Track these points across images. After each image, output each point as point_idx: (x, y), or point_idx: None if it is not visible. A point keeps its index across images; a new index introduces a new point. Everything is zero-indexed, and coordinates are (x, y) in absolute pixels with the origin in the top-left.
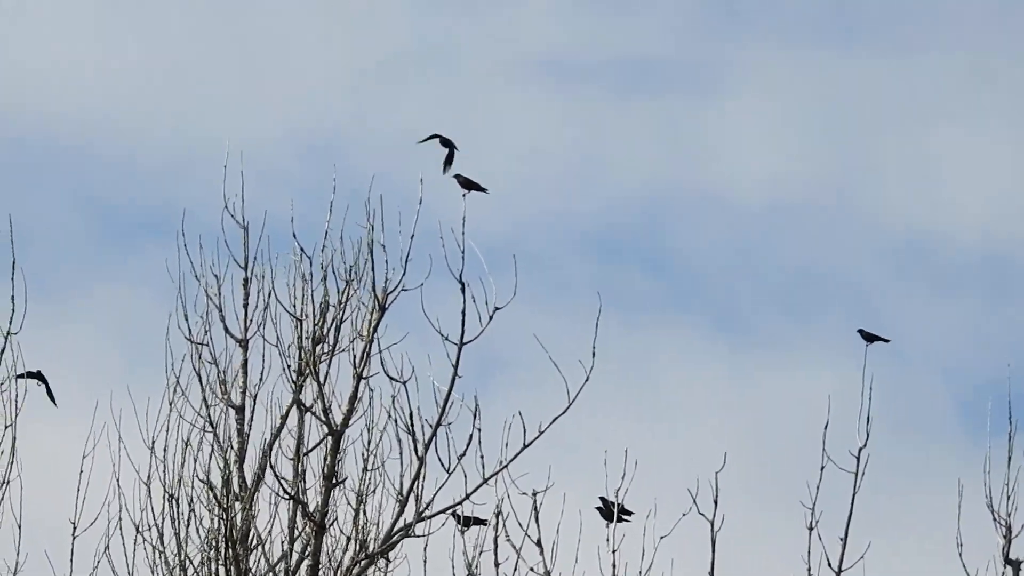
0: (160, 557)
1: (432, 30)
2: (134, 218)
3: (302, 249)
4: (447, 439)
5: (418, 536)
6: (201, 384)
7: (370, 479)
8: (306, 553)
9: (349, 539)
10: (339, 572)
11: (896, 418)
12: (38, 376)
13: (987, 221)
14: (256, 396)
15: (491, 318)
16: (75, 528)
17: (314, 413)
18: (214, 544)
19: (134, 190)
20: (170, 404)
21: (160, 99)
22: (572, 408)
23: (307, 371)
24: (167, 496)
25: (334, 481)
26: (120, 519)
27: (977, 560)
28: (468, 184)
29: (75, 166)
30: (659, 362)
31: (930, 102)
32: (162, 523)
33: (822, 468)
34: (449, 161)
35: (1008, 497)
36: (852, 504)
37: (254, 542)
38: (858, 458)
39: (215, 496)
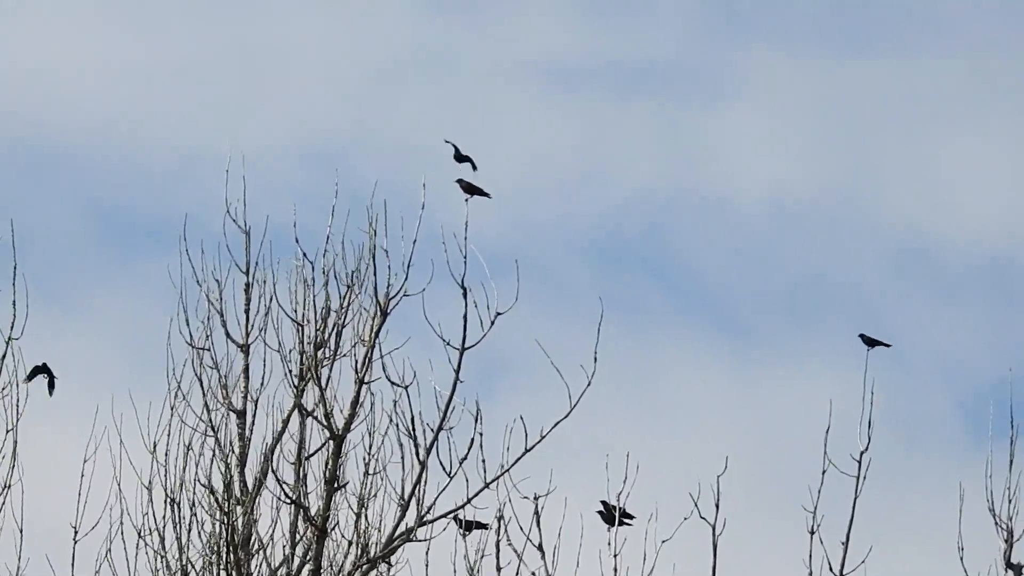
0: (161, 561)
1: (434, 35)
2: (136, 223)
3: (304, 254)
4: (449, 444)
5: (420, 540)
6: (202, 389)
7: (372, 483)
8: (308, 557)
9: (351, 543)
10: None
11: (898, 422)
12: (44, 369)
13: (989, 225)
14: (257, 401)
15: (493, 323)
16: (76, 532)
17: (316, 418)
18: (215, 548)
19: (136, 195)
20: (171, 408)
21: (162, 104)
22: (574, 413)
23: (308, 376)
24: (168, 500)
25: (336, 485)
26: (122, 523)
27: (979, 564)
28: (470, 189)
29: (76, 171)
30: (661, 366)
31: (932, 106)
32: (163, 527)
33: (824, 472)
34: (463, 160)
35: (1010, 501)
36: (854, 508)
37: (255, 546)
38: (859, 462)
39: (216, 500)
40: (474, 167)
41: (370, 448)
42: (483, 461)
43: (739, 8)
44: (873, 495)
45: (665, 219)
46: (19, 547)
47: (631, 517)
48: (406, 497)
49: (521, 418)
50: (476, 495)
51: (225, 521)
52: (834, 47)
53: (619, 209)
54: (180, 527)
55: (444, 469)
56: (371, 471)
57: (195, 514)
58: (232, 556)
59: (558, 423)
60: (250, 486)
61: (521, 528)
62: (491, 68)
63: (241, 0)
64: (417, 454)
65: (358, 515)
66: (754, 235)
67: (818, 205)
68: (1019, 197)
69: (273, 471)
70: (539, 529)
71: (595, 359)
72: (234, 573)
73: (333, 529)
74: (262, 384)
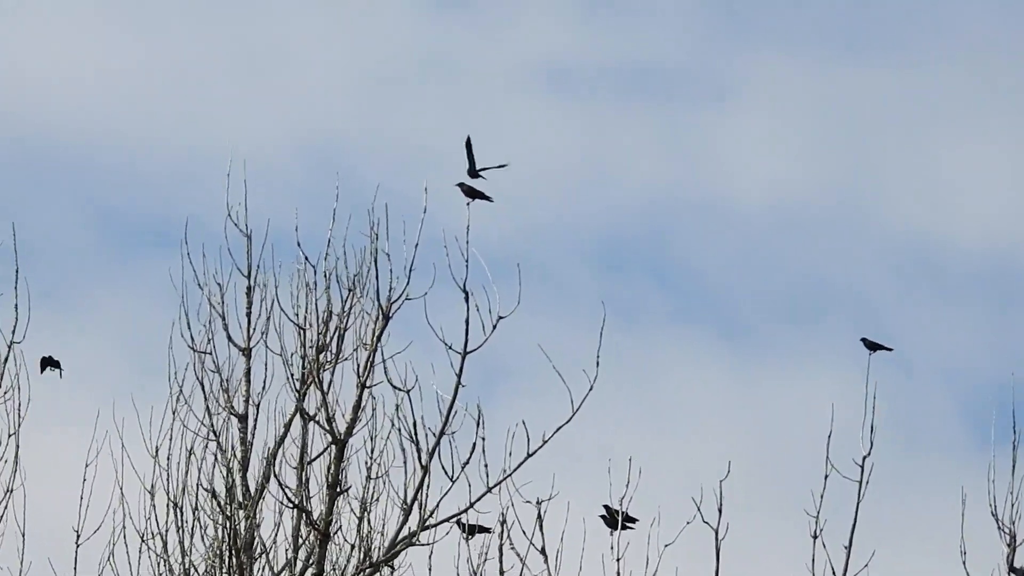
0: (164, 565)
1: (436, 37)
2: (137, 226)
3: (306, 258)
4: (451, 448)
5: (422, 544)
6: (204, 392)
7: (374, 487)
8: (310, 561)
9: (353, 547)
10: None
11: (900, 426)
12: (51, 360)
13: (991, 229)
14: (259, 405)
15: (495, 327)
16: (78, 536)
17: (318, 422)
18: (218, 552)
19: (137, 198)
20: (173, 413)
21: (163, 107)
22: (576, 417)
23: (310, 380)
24: (171, 504)
25: (338, 489)
26: (124, 527)
27: (981, 568)
28: (472, 193)
29: (78, 174)
30: (663, 370)
31: (934, 109)
32: (166, 531)
33: (826, 476)
34: (471, 159)
35: (1012, 505)
36: (856, 512)
37: (258, 550)
38: (862, 466)
39: (219, 504)
40: (475, 175)
41: (372, 452)
42: (485, 465)
43: (741, 11)
44: (876, 499)
45: (667, 222)
46: (21, 551)
47: (633, 521)
48: (408, 501)
49: (523, 422)
50: (479, 499)
51: (227, 525)
52: (835, 49)
53: (621, 212)
54: (183, 531)
55: (446, 473)
56: (373, 475)
57: (197, 518)
58: (235, 560)
59: (560, 428)
60: (252, 490)
61: (524, 532)
62: (493, 71)
63: (243, 3)
64: (419, 458)
65: (360, 519)
66: (756, 238)
67: (820, 208)
68: (1021, 199)
69: (275, 475)
70: (542, 533)
71: (597, 364)
72: None
73: (336, 533)
74: (264, 388)
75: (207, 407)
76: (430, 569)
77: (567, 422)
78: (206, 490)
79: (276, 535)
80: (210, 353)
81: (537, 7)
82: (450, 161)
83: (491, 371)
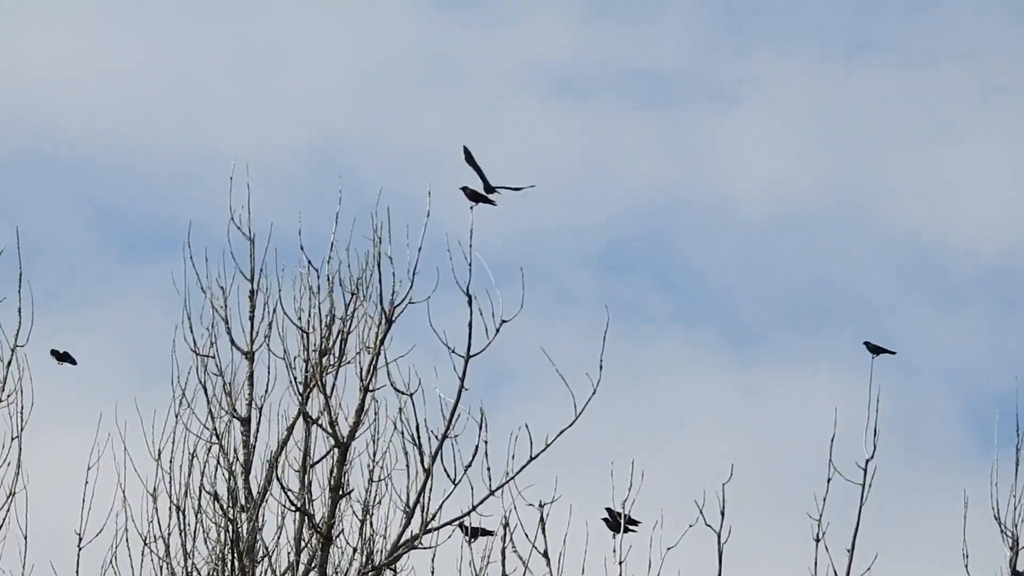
0: (167, 568)
1: (439, 40)
2: (140, 230)
3: (309, 261)
4: (453, 451)
5: (425, 547)
6: (207, 396)
7: (376, 490)
8: (313, 564)
9: (355, 550)
10: None
11: (903, 430)
12: (65, 356)
13: (994, 233)
14: (262, 408)
15: (498, 331)
16: (81, 539)
17: (320, 425)
18: (220, 555)
19: (139, 201)
20: (176, 416)
21: (164, 108)
22: (579, 420)
23: (313, 383)
24: (173, 507)
25: (340, 492)
26: (126, 531)
27: (983, 572)
28: (475, 197)
29: (80, 177)
30: (667, 374)
31: (936, 112)
32: (168, 534)
33: (829, 480)
34: (480, 172)
35: (1015, 508)
36: (859, 516)
37: (260, 553)
38: (865, 470)
39: (221, 507)
40: (492, 190)
41: (375, 455)
42: (488, 468)
43: (745, 17)
44: (878, 503)
45: (671, 227)
46: (24, 553)
47: (636, 524)
48: (411, 504)
49: (526, 426)
50: (481, 502)
51: (230, 528)
52: (836, 52)
53: (625, 217)
54: (185, 534)
55: (449, 476)
56: (376, 478)
57: (200, 521)
58: (237, 563)
59: (563, 431)
60: (255, 493)
61: (527, 535)
62: (495, 72)
63: (244, 4)
64: (422, 461)
65: (363, 522)
66: (758, 241)
67: (822, 211)
68: (1023, 201)
69: (278, 478)
70: (544, 536)
71: (600, 367)
72: None
73: (338, 536)
74: (266, 391)
75: (210, 410)
76: (432, 572)
77: (570, 425)
78: (208, 493)
79: (278, 538)
80: (213, 356)
81: (539, 9)
82: (452, 163)
83: (494, 374)
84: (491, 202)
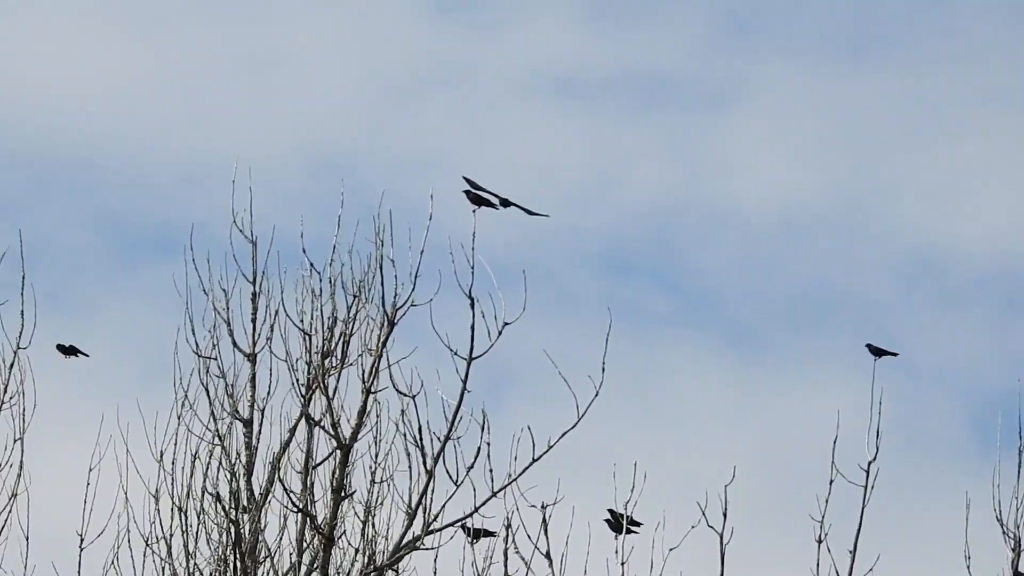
0: (169, 569)
1: (442, 44)
2: (142, 232)
3: (311, 264)
4: (456, 453)
5: (427, 549)
6: (209, 398)
7: (378, 492)
8: (315, 565)
9: (357, 552)
10: None
11: (905, 432)
12: (70, 349)
13: (997, 235)
14: (264, 410)
15: (500, 333)
16: (82, 540)
17: (323, 427)
18: (222, 557)
19: (142, 204)
20: (178, 418)
21: (169, 114)
22: (581, 422)
23: (315, 385)
24: (175, 509)
25: (342, 494)
26: (128, 532)
27: (985, 573)
28: (478, 200)
29: (81, 178)
30: (669, 376)
31: (940, 116)
32: (170, 536)
33: (831, 482)
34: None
35: (1017, 509)
36: (861, 517)
37: (262, 555)
38: (867, 472)
39: (223, 509)
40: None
41: (377, 457)
42: (490, 470)
43: (750, 20)
44: (881, 504)
45: (675, 230)
46: (25, 555)
47: (638, 525)
48: (413, 505)
49: (528, 427)
50: (483, 504)
51: (232, 530)
52: (845, 60)
53: (628, 220)
54: (187, 535)
55: (451, 478)
56: (378, 479)
57: (202, 522)
58: (239, 564)
59: (565, 433)
60: (257, 495)
61: (529, 536)
62: (502, 79)
63: (247, 9)
64: (424, 463)
65: (365, 523)
66: (761, 245)
67: (826, 215)
68: None
69: (280, 479)
70: (547, 537)
71: (603, 369)
72: None
73: (340, 537)
74: (269, 393)
75: (212, 412)
76: (435, 573)
77: (572, 427)
78: (211, 494)
79: (280, 539)
80: (215, 358)
81: (542, 12)
82: (455, 165)
83: (496, 376)
84: (493, 205)
